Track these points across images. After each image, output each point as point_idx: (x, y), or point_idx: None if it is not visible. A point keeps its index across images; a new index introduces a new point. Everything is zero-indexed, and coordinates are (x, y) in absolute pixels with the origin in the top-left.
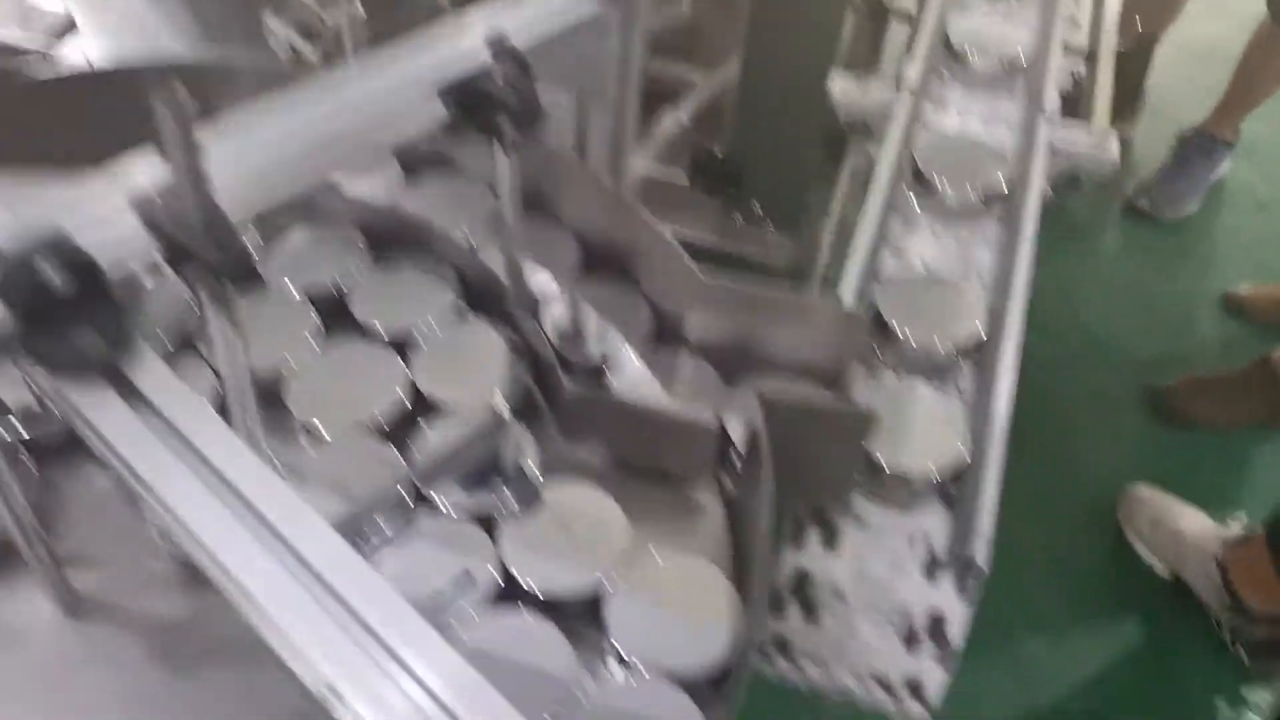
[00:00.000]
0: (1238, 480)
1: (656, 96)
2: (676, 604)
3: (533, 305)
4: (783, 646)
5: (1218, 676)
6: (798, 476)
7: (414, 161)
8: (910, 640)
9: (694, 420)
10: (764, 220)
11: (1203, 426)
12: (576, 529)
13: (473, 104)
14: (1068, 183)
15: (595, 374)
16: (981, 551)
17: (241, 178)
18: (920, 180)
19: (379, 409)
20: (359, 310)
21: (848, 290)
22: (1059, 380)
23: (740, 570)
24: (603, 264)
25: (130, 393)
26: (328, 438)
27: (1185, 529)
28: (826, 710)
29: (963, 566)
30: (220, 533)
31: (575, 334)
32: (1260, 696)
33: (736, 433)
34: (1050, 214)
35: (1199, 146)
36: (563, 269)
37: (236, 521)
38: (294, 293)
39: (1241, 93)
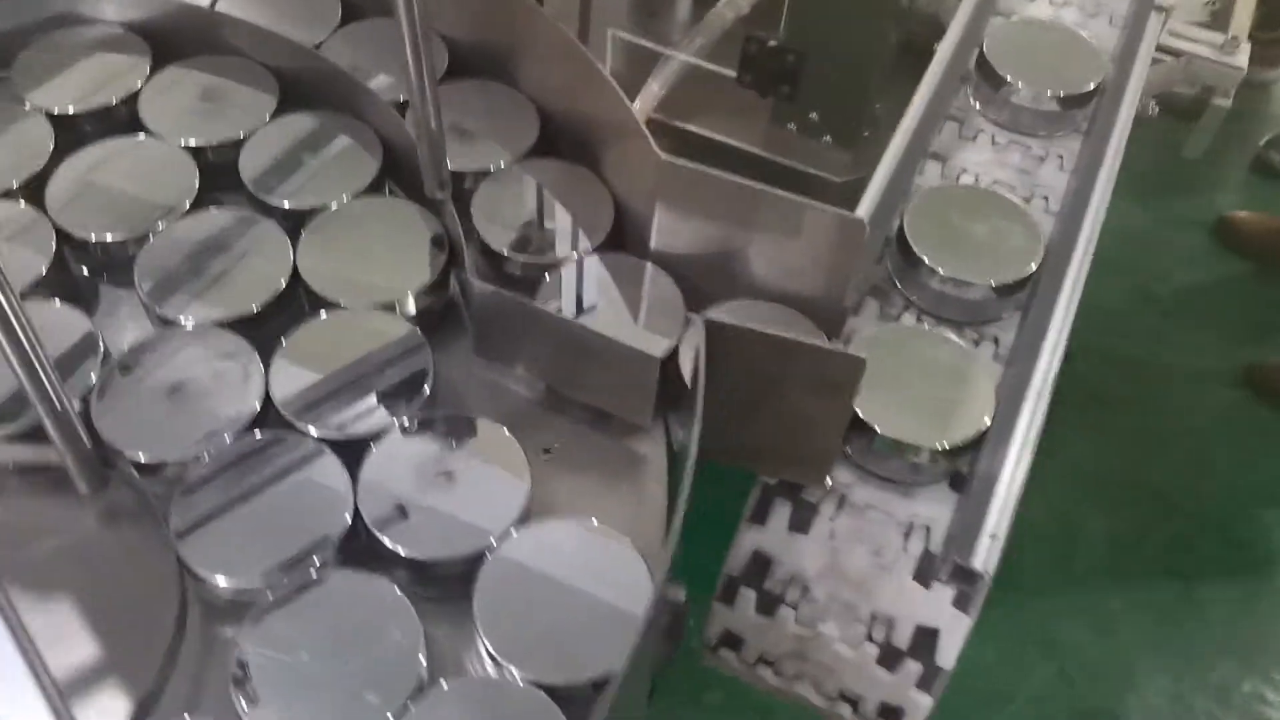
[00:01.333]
0: None
1: None
2: (565, 586)
3: (447, 185)
4: (733, 643)
5: None
6: (761, 434)
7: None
8: (889, 657)
9: (632, 349)
10: (820, 129)
11: None
12: (463, 478)
13: None
14: (1191, 105)
15: (530, 282)
16: (985, 556)
17: None
18: (987, 76)
19: (252, 298)
20: (248, 171)
21: (867, 203)
22: (1148, 350)
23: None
24: (563, 142)
25: None
26: (186, 326)
27: None
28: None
29: (961, 573)
30: None
31: (514, 228)
32: None
33: (687, 368)
34: (1159, 149)
35: None
36: (514, 144)
37: None
38: (176, 142)
39: None
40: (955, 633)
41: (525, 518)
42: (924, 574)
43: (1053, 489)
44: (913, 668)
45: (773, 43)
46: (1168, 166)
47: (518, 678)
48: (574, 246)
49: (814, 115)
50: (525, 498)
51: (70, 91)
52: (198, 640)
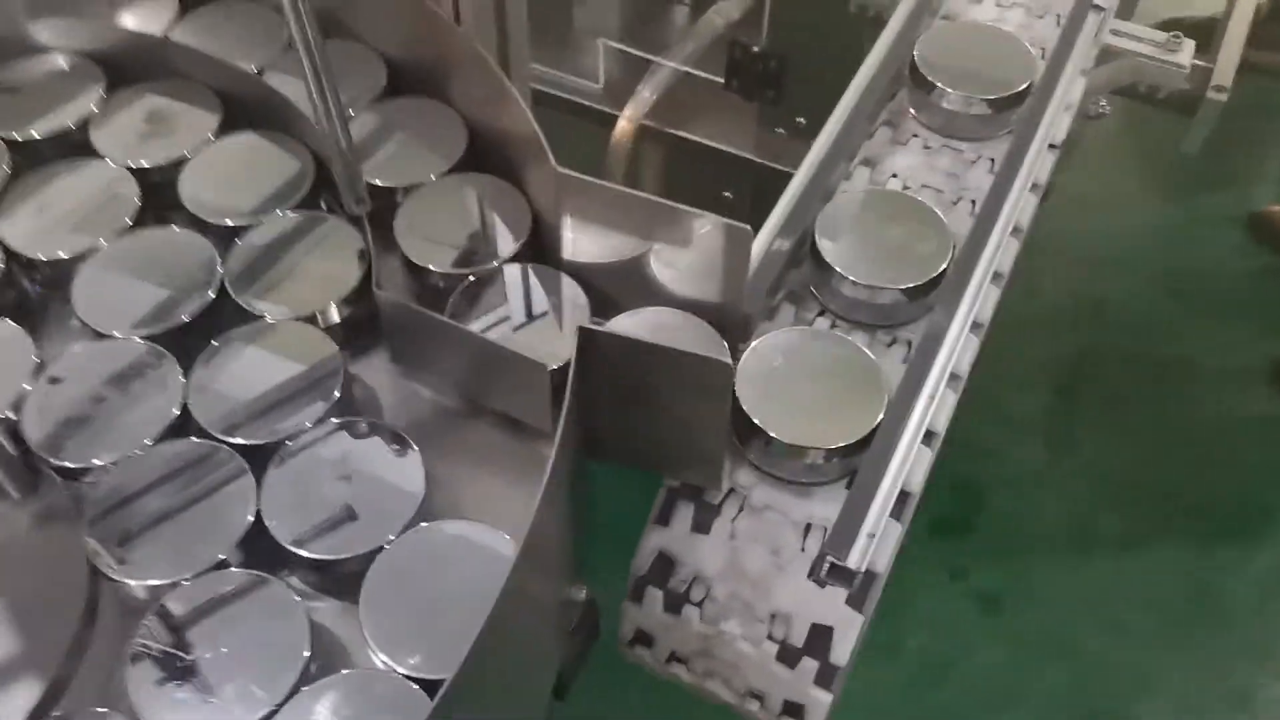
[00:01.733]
0: None
1: None
2: (447, 583)
3: (364, 201)
4: (645, 640)
5: None
6: (651, 437)
7: None
8: (788, 654)
9: (523, 357)
10: (807, 133)
11: None
12: (361, 481)
13: None
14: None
15: (450, 293)
16: (861, 554)
17: None
18: (919, 82)
19: (181, 310)
20: (187, 190)
21: (780, 208)
22: (1174, 348)
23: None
24: (490, 156)
25: None
26: (111, 334)
27: None
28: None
29: (840, 571)
30: None
31: (433, 240)
32: None
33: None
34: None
35: None
36: (443, 159)
37: None
38: (112, 163)
39: None
40: (848, 630)
41: (420, 520)
42: (818, 571)
43: (1069, 489)
44: (809, 665)
45: (756, 49)
46: (1198, 162)
47: (396, 671)
48: (491, 257)
49: (800, 120)
50: (419, 501)
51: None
52: (107, 639)
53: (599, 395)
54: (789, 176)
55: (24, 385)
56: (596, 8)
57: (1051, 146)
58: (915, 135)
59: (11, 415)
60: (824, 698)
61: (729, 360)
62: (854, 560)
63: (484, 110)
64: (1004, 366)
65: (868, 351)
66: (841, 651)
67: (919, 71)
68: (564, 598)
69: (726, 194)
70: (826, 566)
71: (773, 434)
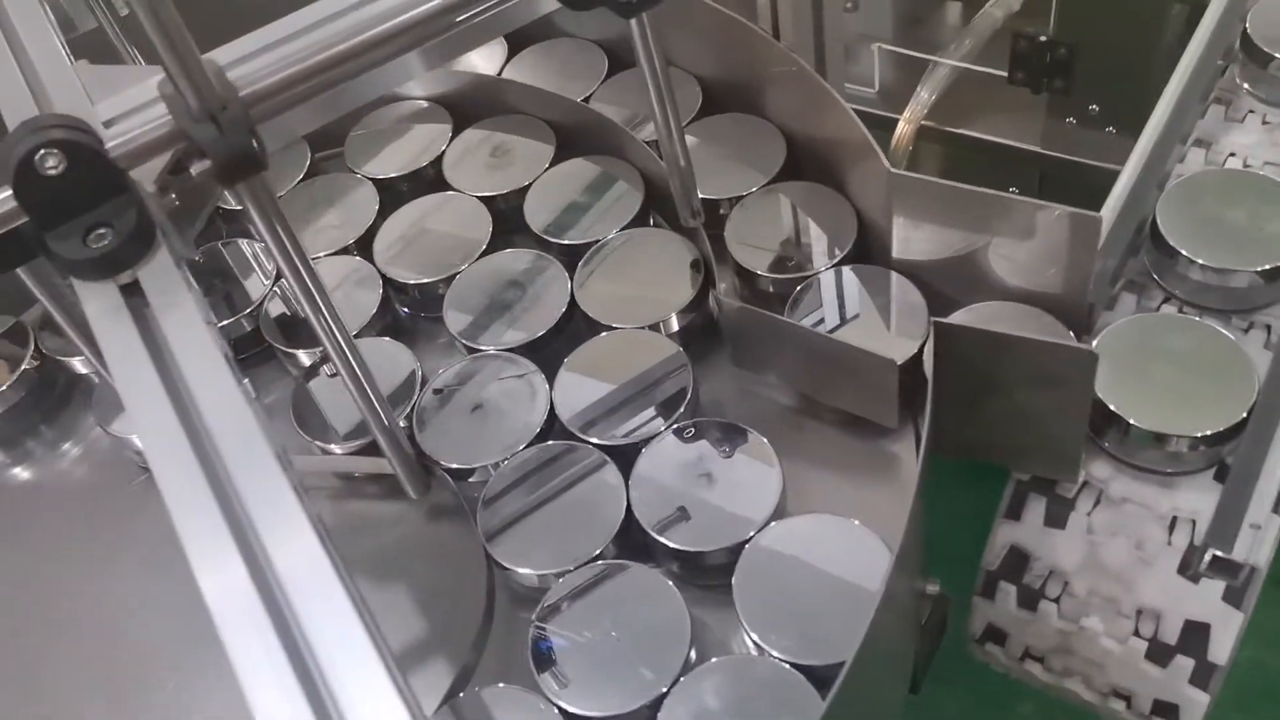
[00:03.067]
0: None
1: None
2: (815, 574)
3: (699, 213)
4: (997, 637)
5: None
6: (1004, 431)
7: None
8: (1159, 652)
9: (871, 354)
10: (1101, 120)
11: None
12: (723, 478)
13: None
14: None
15: (783, 297)
16: (1248, 547)
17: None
18: (1252, 54)
19: (539, 324)
20: (531, 214)
21: (1116, 195)
22: None
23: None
24: (808, 165)
25: (139, 302)
26: (481, 348)
27: None
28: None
29: (1223, 564)
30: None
31: (763, 248)
32: None
33: (928, 369)
34: None
35: None
36: (763, 170)
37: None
38: (469, 193)
39: None
40: (1228, 627)
41: (780, 514)
42: (1191, 566)
43: None
44: (1184, 663)
45: (1043, 38)
46: None
47: (774, 656)
48: (821, 261)
49: (1093, 107)
50: (778, 495)
51: (391, 160)
52: (503, 622)
53: (949, 389)
54: (1078, 167)
55: (412, 397)
56: (868, 12)
57: None
58: (1251, 111)
59: (403, 424)
60: (1201, 698)
61: (1092, 349)
62: (1239, 552)
63: (803, 120)
64: None
65: (1228, 334)
66: (1221, 649)
67: (1252, 43)
68: (919, 591)
69: (1013, 189)
70: (1208, 559)
71: (1132, 421)
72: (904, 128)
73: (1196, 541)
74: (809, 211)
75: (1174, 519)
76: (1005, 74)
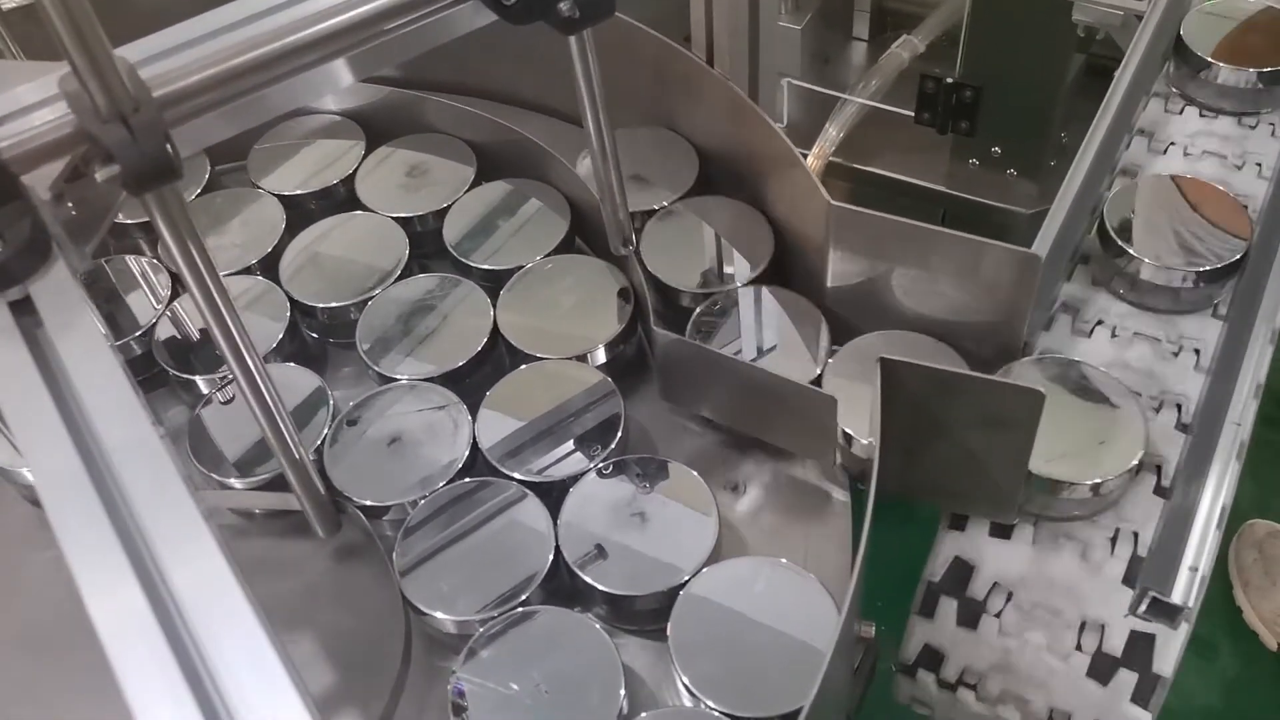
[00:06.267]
0: None
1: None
2: (755, 621)
3: (630, 241)
4: (932, 661)
5: None
6: (941, 471)
7: None
8: (1101, 668)
9: (812, 390)
10: (1004, 163)
11: None
12: (656, 517)
13: None
14: None
15: (701, 324)
16: (1185, 589)
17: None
18: (1186, 60)
19: (459, 354)
20: (450, 235)
21: (1046, 236)
22: None
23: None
24: (722, 180)
25: (30, 321)
26: (397, 377)
27: None
28: None
29: (1161, 606)
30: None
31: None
32: None
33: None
34: None
35: None
36: (677, 185)
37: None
38: (383, 212)
39: None
40: (1173, 637)
41: (715, 555)
42: (1136, 578)
43: None
44: (1127, 679)
45: (949, 80)
46: None
47: (712, 708)
48: (737, 278)
49: (995, 150)
50: (715, 536)
51: (298, 175)
52: (420, 671)
53: (891, 428)
54: (980, 207)
55: (323, 429)
56: (778, 48)
57: None
58: (1189, 105)
59: (312, 457)
60: (1143, 716)
61: (1042, 390)
62: (1178, 595)
63: (720, 132)
64: None
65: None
66: (1166, 662)
67: (1188, 50)
68: (856, 634)
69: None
70: (1147, 602)
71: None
72: (812, 163)
73: (1140, 553)
74: (724, 227)
75: (1117, 531)
76: (912, 114)
